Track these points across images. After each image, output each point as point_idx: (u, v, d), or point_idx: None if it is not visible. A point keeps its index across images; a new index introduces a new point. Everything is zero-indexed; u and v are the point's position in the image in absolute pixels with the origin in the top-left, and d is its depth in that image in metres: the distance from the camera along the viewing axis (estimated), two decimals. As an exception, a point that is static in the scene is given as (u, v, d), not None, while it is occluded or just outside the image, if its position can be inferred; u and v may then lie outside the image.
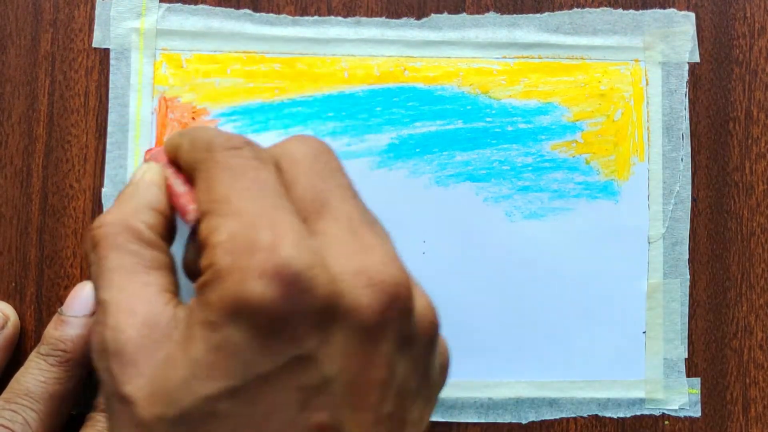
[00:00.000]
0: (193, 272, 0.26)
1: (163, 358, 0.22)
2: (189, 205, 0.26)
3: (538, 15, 0.35)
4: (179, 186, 0.27)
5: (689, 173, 0.35)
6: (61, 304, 0.33)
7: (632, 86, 0.34)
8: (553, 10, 0.35)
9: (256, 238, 0.21)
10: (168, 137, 0.29)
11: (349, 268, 0.22)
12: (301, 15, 0.34)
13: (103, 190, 0.33)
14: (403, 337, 0.22)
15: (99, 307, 0.24)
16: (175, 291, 0.24)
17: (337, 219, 0.23)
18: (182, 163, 0.26)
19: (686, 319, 0.34)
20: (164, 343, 0.22)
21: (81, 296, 0.31)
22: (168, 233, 0.26)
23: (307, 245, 0.21)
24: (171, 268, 0.25)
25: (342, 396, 0.21)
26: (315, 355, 0.21)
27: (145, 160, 0.30)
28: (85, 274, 0.33)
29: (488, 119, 0.34)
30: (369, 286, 0.22)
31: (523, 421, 0.34)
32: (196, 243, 0.24)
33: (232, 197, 0.22)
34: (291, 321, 0.21)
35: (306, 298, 0.21)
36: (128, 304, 0.23)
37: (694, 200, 0.35)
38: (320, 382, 0.21)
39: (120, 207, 0.26)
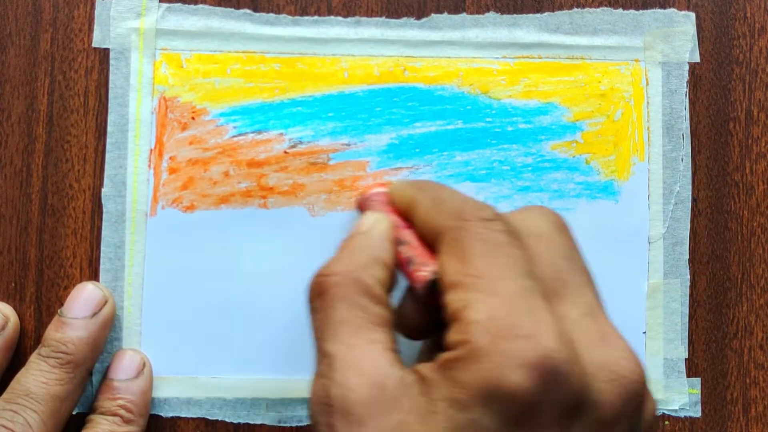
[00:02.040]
0: (409, 328, 0.26)
1: (395, 424, 0.22)
2: (422, 265, 0.26)
3: (538, 15, 0.35)
4: (411, 242, 0.27)
5: (689, 173, 0.34)
6: (61, 304, 0.33)
7: (632, 86, 0.34)
8: (553, 10, 0.35)
9: (517, 324, 0.21)
10: (397, 187, 0.29)
11: (594, 360, 0.22)
12: (301, 15, 0.34)
13: (103, 190, 0.33)
14: (632, 428, 0.23)
15: (323, 359, 0.24)
16: (396, 349, 0.24)
17: (577, 304, 0.23)
18: (420, 222, 0.26)
19: (686, 319, 0.34)
20: (394, 408, 0.22)
21: (81, 297, 0.31)
22: (391, 288, 0.26)
23: (565, 338, 0.21)
24: (392, 325, 0.25)
25: None
26: None
27: (364, 200, 0.31)
28: (85, 274, 0.33)
29: (488, 119, 0.34)
30: (611, 381, 0.22)
31: (523, 422, 0.33)
32: (416, 301, 0.25)
33: (489, 274, 0.22)
34: (541, 411, 0.21)
35: (560, 392, 0.21)
36: (356, 362, 0.23)
37: (694, 200, 0.35)
38: None
39: (350, 257, 0.26)
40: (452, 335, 0.22)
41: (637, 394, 0.22)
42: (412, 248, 0.27)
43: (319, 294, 0.25)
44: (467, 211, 0.24)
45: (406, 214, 0.28)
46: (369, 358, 0.23)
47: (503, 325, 0.21)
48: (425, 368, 0.22)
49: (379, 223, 0.28)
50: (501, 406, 0.20)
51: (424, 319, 0.27)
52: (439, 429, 0.21)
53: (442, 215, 0.25)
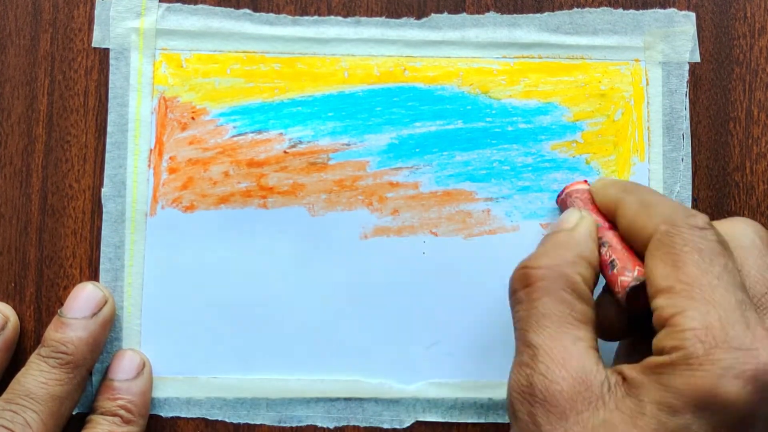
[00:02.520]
0: (606, 329, 0.27)
1: (599, 421, 0.22)
2: (624, 269, 0.26)
3: (538, 15, 0.35)
4: (613, 243, 0.27)
5: (689, 173, 0.34)
6: (61, 304, 0.33)
7: (632, 86, 0.34)
8: (553, 10, 0.35)
9: (734, 336, 0.21)
10: (600, 185, 0.29)
11: None
12: (301, 15, 0.34)
13: (103, 190, 0.33)
14: None
15: (527, 349, 0.24)
16: (598, 347, 0.25)
17: None
18: (626, 224, 0.26)
19: (686, 320, 0.34)
20: (598, 406, 0.22)
21: (81, 297, 0.31)
22: (594, 287, 0.26)
23: None
24: (595, 324, 0.25)
25: None
26: None
27: (566, 196, 0.31)
28: (85, 274, 0.33)
29: (488, 119, 0.34)
30: None
31: (523, 422, 0.33)
32: (614, 303, 0.25)
33: (705, 283, 0.23)
34: (753, 424, 0.21)
35: None
36: (561, 355, 0.23)
37: (694, 200, 0.35)
38: None
39: (557, 253, 0.26)
40: (664, 340, 0.22)
41: None
42: (614, 251, 0.27)
43: (525, 285, 0.25)
44: (679, 217, 0.25)
45: (609, 214, 0.28)
46: (573, 354, 0.24)
47: (719, 335, 0.21)
48: (630, 370, 0.23)
49: (583, 220, 0.28)
50: (714, 415, 0.21)
51: (621, 321, 0.27)
52: (647, 429, 0.21)
53: (652, 219, 0.25)
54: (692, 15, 0.35)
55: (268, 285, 0.33)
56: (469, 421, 0.33)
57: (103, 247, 0.33)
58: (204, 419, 0.33)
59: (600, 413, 0.22)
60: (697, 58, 0.35)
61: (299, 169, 0.34)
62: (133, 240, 0.33)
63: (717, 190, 0.35)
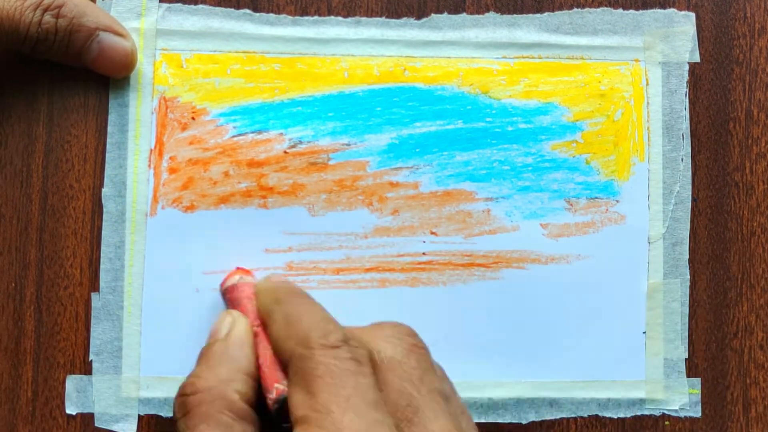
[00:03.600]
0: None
1: None
2: (274, 383, 0.26)
3: (538, 15, 0.35)
4: (264, 354, 0.27)
5: (689, 173, 0.34)
6: (62, 304, 0.33)
7: (632, 86, 0.34)
8: (553, 10, 0.35)
9: None
10: (260, 289, 0.29)
11: None
12: (301, 15, 0.34)
13: (103, 190, 0.33)
14: None
15: None
16: None
17: (431, 431, 0.24)
18: (272, 341, 0.26)
19: (686, 319, 0.34)
20: None
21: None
22: (255, 396, 0.26)
23: None
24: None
25: None
26: None
27: (229, 288, 0.30)
28: (85, 274, 0.33)
29: (488, 119, 0.34)
30: None
31: (524, 422, 0.33)
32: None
33: (334, 408, 0.23)
34: None
35: None
36: None
37: (694, 200, 0.35)
38: None
39: (212, 372, 0.26)
40: None
41: None
42: (263, 363, 0.27)
43: (184, 414, 0.25)
44: (312, 338, 0.24)
45: (263, 323, 0.28)
46: None
47: None
48: None
49: (236, 326, 0.27)
50: None
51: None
52: None
53: (291, 340, 0.25)
54: (692, 15, 0.35)
55: (268, 285, 0.33)
56: (469, 421, 0.33)
57: (103, 247, 0.33)
58: (204, 419, 0.33)
59: None
60: (697, 58, 0.35)
61: (299, 169, 0.34)
62: (134, 240, 0.33)
63: (717, 190, 0.35)
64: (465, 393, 0.33)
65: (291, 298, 0.27)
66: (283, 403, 0.26)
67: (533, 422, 0.34)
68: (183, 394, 0.26)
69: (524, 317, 0.34)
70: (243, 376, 0.26)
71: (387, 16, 0.35)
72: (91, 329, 0.33)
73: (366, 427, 0.22)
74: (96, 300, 0.33)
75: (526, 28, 0.35)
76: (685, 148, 0.35)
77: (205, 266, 0.33)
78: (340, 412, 0.22)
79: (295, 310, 0.26)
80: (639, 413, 0.34)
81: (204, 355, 0.27)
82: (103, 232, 0.33)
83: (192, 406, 0.25)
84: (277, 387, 0.26)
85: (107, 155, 0.33)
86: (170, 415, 0.33)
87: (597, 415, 0.34)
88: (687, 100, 0.35)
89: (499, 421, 0.33)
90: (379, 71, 0.34)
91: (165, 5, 0.34)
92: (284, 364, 0.25)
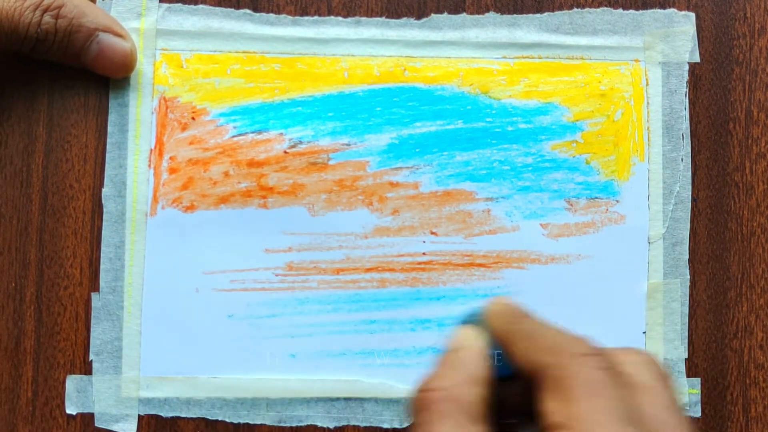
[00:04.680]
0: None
1: None
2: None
3: (538, 15, 0.35)
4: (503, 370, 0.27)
5: (689, 173, 0.34)
6: (62, 304, 0.33)
7: (632, 86, 0.34)
8: (553, 10, 0.35)
9: None
10: (493, 313, 0.29)
11: None
12: (301, 15, 0.34)
13: (103, 190, 0.33)
14: None
15: None
16: None
17: None
18: (517, 358, 0.26)
19: (686, 319, 0.34)
20: None
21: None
22: (488, 409, 0.27)
23: None
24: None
25: None
26: None
27: (463, 325, 0.30)
28: (85, 274, 0.33)
29: (488, 119, 0.34)
30: None
31: (523, 422, 0.33)
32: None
33: (593, 419, 0.23)
34: None
35: None
36: None
37: (694, 200, 0.35)
38: None
39: (450, 374, 0.26)
40: None
41: None
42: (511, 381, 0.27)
43: (422, 409, 0.26)
44: (566, 348, 0.25)
45: (501, 342, 0.28)
46: None
47: None
48: None
49: (475, 340, 0.28)
50: None
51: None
52: None
53: (540, 352, 0.25)
54: (692, 15, 0.35)
55: (269, 285, 0.33)
56: (469, 421, 0.33)
57: (103, 247, 0.33)
58: (204, 419, 0.33)
59: None
60: (697, 59, 0.35)
61: (299, 169, 0.34)
62: (134, 240, 0.33)
63: (717, 190, 0.35)
64: (465, 393, 0.33)
65: (528, 318, 0.27)
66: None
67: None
68: (423, 390, 0.26)
69: (524, 317, 0.34)
70: (480, 383, 0.26)
71: (387, 16, 0.35)
72: (91, 329, 0.33)
73: None
74: (96, 300, 0.33)
75: (526, 28, 0.35)
76: (685, 148, 0.35)
77: (205, 266, 0.33)
78: (598, 423, 0.23)
79: (538, 326, 0.26)
80: (639, 413, 0.34)
81: (444, 359, 0.27)
82: (103, 232, 0.33)
83: (430, 402, 0.25)
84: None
85: (107, 155, 0.33)
86: (170, 414, 0.33)
87: (597, 415, 0.34)
88: (687, 100, 0.35)
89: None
90: (379, 71, 0.34)
91: (165, 5, 0.34)
92: (532, 377, 0.25)
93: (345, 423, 0.33)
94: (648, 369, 0.26)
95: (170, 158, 0.33)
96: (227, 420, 0.33)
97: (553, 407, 0.24)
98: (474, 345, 0.28)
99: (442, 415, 0.25)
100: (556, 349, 0.25)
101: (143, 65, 0.34)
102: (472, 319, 0.30)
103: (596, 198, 0.34)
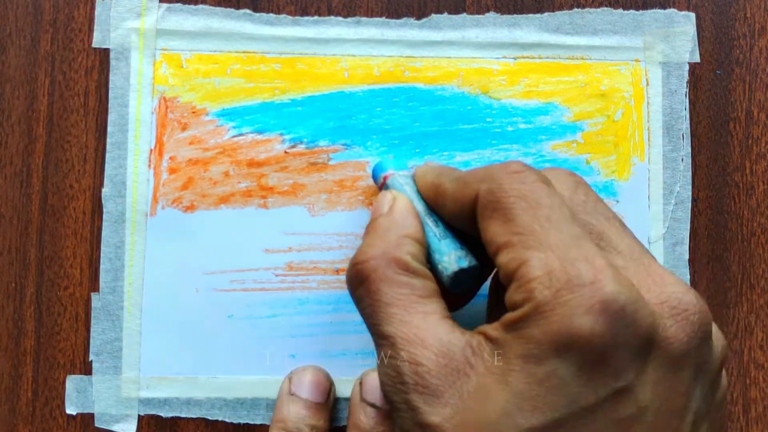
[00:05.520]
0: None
1: (473, 388, 0.22)
2: (444, 252, 0.26)
3: (538, 15, 0.35)
4: (432, 227, 0.27)
5: (689, 173, 0.34)
6: (62, 304, 0.33)
7: (632, 86, 0.34)
8: (553, 10, 0.35)
9: (576, 274, 0.21)
10: (420, 170, 0.29)
11: (654, 299, 0.22)
12: (301, 15, 0.34)
13: (103, 190, 0.33)
14: (702, 363, 0.23)
15: (384, 341, 0.24)
16: (449, 315, 0.25)
17: (620, 251, 0.24)
18: (450, 199, 0.26)
19: (686, 320, 0.34)
20: (467, 372, 0.22)
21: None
22: (426, 262, 0.27)
23: (625, 280, 0.22)
24: (440, 294, 0.25)
25: (651, 425, 0.22)
26: (632, 387, 0.21)
27: (384, 179, 0.30)
28: (85, 274, 0.33)
29: (488, 119, 0.34)
30: (675, 316, 0.22)
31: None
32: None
33: (537, 228, 0.23)
34: (615, 354, 0.21)
35: (630, 332, 0.21)
36: (416, 336, 0.23)
37: (694, 200, 0.35)
38: (636, 412, 0.21)
39: (380, 240, 0.26)
40: (513, 295, 0.22)
41: (703, 326, 0.22)
42: (432, 233, 0.27)
43: (360, 282, 0.25)
44: (496, 171, 0.24)
45: (434, 200, 0.28)
46: (428, 330, 0.24)
47: (562, 276, 0.21)
48: (491, 329, 0.23)
49: (397, 200, 0.28)
50: (575, 354, 0.21)
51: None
52: (519, 386, 0.21)
53: (472, 184, 0.25)
54: (692, 15, 0.35)
55: (269, 285, 0.33)
56: (469, 421, 0.33)
57: (103, 248, 0.33)
58: (204, 419, 0.33)
59: (472, 379, 0.22)
60: (697, 59, 0.35)
61: (299, 169, 0.34)
62: (133, 240, 0.33)
63: (717, 190, 0.35)
64: (465, 393, 0.33)
65: (456, 170, 0.27)
66: (457, 272, 0.26)
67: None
68: (356, 264, 0.26)
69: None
70: (412, 240, 0.26)
71: (387, 16, 0.34)
72: (91, 329, 0.33)
73: (570, 241, 0.22)
74: (96, 300, 0.33)
75: (526, 28, 0.35)
76: (686, 149, 0.35)
77: (205, 266, 0.33)
78: (543, 229, 0.22)
79: (465, 172, 0.26)
80: (639, 413, 0.34)
81: (370, 229, 0.27)
82: (103, 233, 0.33)
83: (367, 272, 0.25)
84: (454, 253, 0.26)
85: (107, 155, 0.33)
86: (170, 415, 0.33)
87: (597, 416, 0.34)
88: (687, 101, 0.35)
89: (499, 421, 0.33)
90: (379, 71, 0.34)
91: (165, 5, 0.34)
92: (469, 211, 0.25)
93: (345, 423, 0.33)
94: (564, 179, 0.25)
95: (170, 158, 0.33)
96: (227, 420, 0.33)
97: (494, 230, 0.24)
98: (397, 205, 0.27)
99: (383, 280, 0.25)
100: (487, 176, 0.25)
101: (143, 65, 0.34)
102: (394, 184, 0.29)
103: (596, 198, 0.34)
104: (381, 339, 0.24)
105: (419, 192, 0.29)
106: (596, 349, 0.21)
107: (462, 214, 0.26)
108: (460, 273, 0.26)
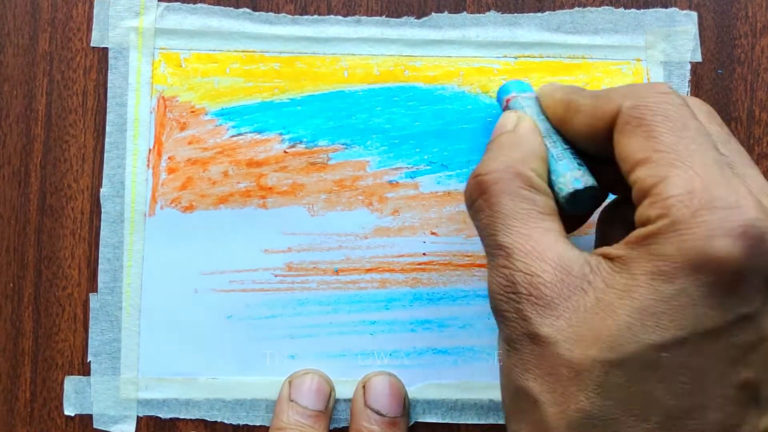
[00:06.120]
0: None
1: (592, 303, 0.22)
2: (567, 170, 0.26)
3: (539, 14, 0.35)
4: (558, 146, 0.27)
5: (691, 173, 0.34)
6: (60, 305, 0.33)
7: (634, 86, 0.34)
8: (554, 9, 0.35)
9: (717, 196, 0.21)
10: (546, 88, 0.29)
11: None
12: (301, 14, 0.34)
13: (102, 190, 0.33)
14: None
15: (499, 251, 0.24)
16: (567, 236, 0.25)
17: (753, 183, 0.23)
18: (585, 117, 0.26)
19: (688, 320, 0.34)
20: (585, 288, 0.22)
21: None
22: (549, 180, 0.26)
23: (765, 208, 0.22)
24: (559, 215, 0.25)
25: (767, 356, 0.22)
26: (757, 315, 0.21)
27: (508, 100, 0.30)
28: (83, 275, 0.33)
29: (489, 119, 0.34)
30: None
31: (524, 423, 0.33)
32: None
33: (681, 148, 0.22)
34: (747, 280, 0.21)
35: (765, 260, 0.21)
36: (535, 249, 0.23)
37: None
38: (756, 341, 0.21)
39: (504, 155, 0.26)
40: (648, 210, 0.22)
41: None
42: (556, 151, 0.27)
43: (481, 193, 0.25)
44: (642, 89, 0.24)
45: (557, 119, 0.28)
46: (547, 244, 0.24)
47: (703, 197, 0.21)
48: (615, 249, 0.23)
49: (522, 120, 0.28)
50: (708, 275, 0.21)
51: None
52: (645, 302, 0.21)
53: (613, 100, 0.25)
54: (694, 14, 0.35)
55: (268, 285, 0.33)
56: (470, 422, 0.33)
57: (101, 248, 0.33)
58: (203, 420, 0.33)
59: (590, 295, 0.22)
60: (699, 58, 0.35)
61: (299, 169, 0.33)
62: (132, 240, 0.33)
63: (718, 190, 0.35)
64: (466, 394, 0.33)
65: (584, 89, 0.27)
66: (573, 192, 0.26)
67: (534, 423, 0.33)
68: (477, 175, 0.25)
69: (525, 318, 0.33)
70: (536, 157, 0.26)
71: (387, 15, 0.34)
72: (90, 330, 0.33)
73: (713, 165, 0.22)
74: (94, 301, 0.33)
75: (527, 28, 0.34)
76: (687, 148, 0.34)
77: (204, 266, 0.33)
78: (688, 151, 0.22)
79: (603, 89, 0.26)
80: (640, 414, 0.34)
81: (493, 145, 0.27)
82: (102, 233, 0.33)
83: (490, 183, 0.25)
84: (576, 172, 0.26)
85: (106, 155, 0.33)
86: (169, 416, 0.33)
87: (598, 417, 0.34)
88: (688, 100, 0.35)
89: (500, 422, 0.33)
90: (379, 70, 0.34)
91: (164, 4, 0.34)
92: (604, 128, 0.25)
93: (345, 424, 0.33)
94: (707, 108, 0.25)
95: (169, 158, 0.33)
96: (226, 421, 0.33)
97: (636, 145, 0.23)
98: (522, 125, 0.27)
99: (505, 193, 0.25)
100: (631, 93, 0.24)
101: (142, 64, 0.33)
102: (516, 105, 0.29)
103: (597, 198, 0.34)
104: (497, 249, 0.24)
105: (543, 112, 0.28)
106: (730, 273, 0.21)
107: (594, 131, 0.25)
108: (576, 193, 0.26)
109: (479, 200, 0.25)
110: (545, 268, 0.23)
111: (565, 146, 0.27)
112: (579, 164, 0.27)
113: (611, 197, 0.29)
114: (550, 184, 0.26)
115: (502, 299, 0.24)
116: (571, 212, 0.27)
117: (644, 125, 0.23)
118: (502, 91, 0.31)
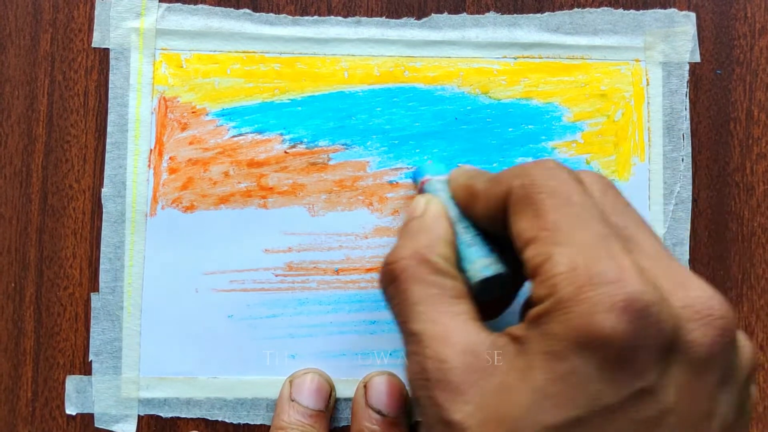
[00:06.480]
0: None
1: (496, 386, 0.22)
2: (472, 260, 0.26)
3: (538, 15, 0.35)
4: (463, 234, 0.27)
5: (690, 173, 0.34)
6: (61, 305, 0.33)
7: (633, 86, 0.34)
8: (553, 10, 0.35)
9: (601, 271, 0.21)
10: (454, 173, 0.29)
11: (678, 301, 0.22)
12: (301, 15, 0.34)
13: (103, 190, 0.33)
14: (728, 369, 0.22)
15: (411, 338, 0.24)
16: (479, 318, 0.25)
17: (646, 253, 0.23)
18: (483, 199, 0.26)
19: (687, 320, 0.34)
20: (491, 371, 0.22)
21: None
22: (457, 264, 0.27)
23: (650, 279, 0.21)
24: (470, 296, 0.25)
25: (674, 428, 0.21)
26: (655, 388, 0.21)
27: (422, 185, 0.30)
28: (85, 275, 0.33)
29: (488, 119, 0.34)
30: (699, 320, 0.22)
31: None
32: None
33: (564, 225, 0.23)
34: (638, 354, 0.21)
35: (653, 332, 0.21)
36: (443, 334, 0.24)
37: (694, 201, 0.34)
38: (658, 415, 0.21)
39: (411, 240, 0.26)
40: (537, 290, 0.22)
41: (727, 332, 0.22)
42: (464, 240, 0.27)
43: (391, 281, 0.26)
44: (530, 167, 0.24)
45: (463, 203, 0.28)
46: (455, 329, 0.24)
47: (586, 273, 0.21)
48: (516, 328, 0.23)
49: (430, 203, 0.28)
50: (596, 352, 0.21)
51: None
52: (540, 383, 0.21)
53: (505, 180, 0.25)
54: (692, 15, 0.35)
55: (269, 285, 0.33)
56: (469, 421, 0.33)
57: (103, 248, 0.33)
58: (204, 419, 0.33)
59: (494, 378, 0.22)
60: (698, 59, 0.35)
61: (299, 169, 0.34)
62: (133, 240, 0.33)
63: (717, 191, 0.35)
64: (465, 393, 0.33)
65: (486, 172, 0.27)
66: (482, 280, 0.26)
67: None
68: (387, 264, 0.26)
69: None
70: (443, 242, 0.26)
71: (387, 16, 0.34)
72: (91, 329, 0.33)
73: (597, 239, 0.22)
74: (96, 300, 0.33)
75: (526, 28, 0.34)
76: (686, 149, 0.34)
77: (205, 266, 0.33)
78: (570, 227, 0.22)
79: (498, 173, 0.26)
80: (639, 414, 0.34)
81: (402, 231, 0.27)
82: (103, 233, 0.33)
83: (398, 272, 0.25)
84: (482, 260, 0.26)
85: (107, 155, 0.33)
86: (170, 415, 0.33)
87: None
88: (687, 100, 0.35)
89: (499, 421, 0.33)
90: (379, 71, 0.34)
91: (165, 5, 0.34)
92: (500, 208, 0.25)
93: (345, 423, 0.33)
94: (597, 179, 0.25)
95: (170, 158, 0.33)
96: (227, 420, 0.33)
97: (523, 225, 0.23)
98: (430, 209, 0.27)
99: (413, 280, 0.25)
100: (520, 172, 0.24)
101: (143, 65, 0.34)
102: (430, 189, 0.29)
103: (596, 198, 0.34)
104: (409, 336, 0.24)
105: (452, 193, 0.29)
106: (617, 348, 0.20)
107: (494, 214, 0.26)
108: (486, 281, 0.26)
109: (390, 288, 0.26)
110: (453, 354, 0.23)
111: (477, 231, 0.27)
112: (490, 251, 0.27)
113: None
114: (462, 272, 0.27)
115: (416, 386, 0.24)
116: (484, 299, 0.27)
117: (531, 203, 0.24)
118: (417, 174, 0.31)
